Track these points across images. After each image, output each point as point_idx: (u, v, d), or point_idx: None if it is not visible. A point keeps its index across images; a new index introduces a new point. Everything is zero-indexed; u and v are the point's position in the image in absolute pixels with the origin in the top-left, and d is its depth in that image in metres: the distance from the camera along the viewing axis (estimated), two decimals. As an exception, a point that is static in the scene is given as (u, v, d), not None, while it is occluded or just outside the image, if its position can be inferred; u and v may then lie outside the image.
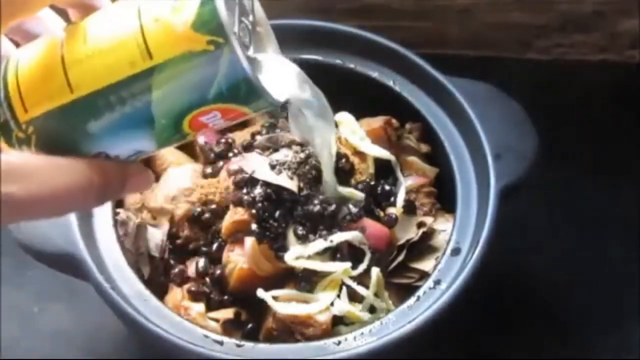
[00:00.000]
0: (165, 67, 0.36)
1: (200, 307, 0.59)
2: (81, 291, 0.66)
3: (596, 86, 0.87)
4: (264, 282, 0.59)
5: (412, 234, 0.62)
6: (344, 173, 0.62)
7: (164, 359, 0.63)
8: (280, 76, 0.41)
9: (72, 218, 0.59)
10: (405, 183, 0.64)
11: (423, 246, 0.63)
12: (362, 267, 0.59)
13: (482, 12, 0.85)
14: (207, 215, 0.61)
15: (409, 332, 0.54)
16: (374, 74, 0.69)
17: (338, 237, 0.58)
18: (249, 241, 0.58)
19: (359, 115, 0.65)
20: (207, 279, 0.60)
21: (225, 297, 0.60)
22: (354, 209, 0.60)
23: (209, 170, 0.64)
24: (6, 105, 0.39)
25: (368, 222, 0.60)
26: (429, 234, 0.63)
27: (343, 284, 0.59)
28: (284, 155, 0.61)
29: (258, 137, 0.64)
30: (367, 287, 0.58)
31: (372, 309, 0.59)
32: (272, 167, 0.60)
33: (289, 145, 0.62)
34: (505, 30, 0.87)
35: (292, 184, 0.59)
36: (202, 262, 0.61)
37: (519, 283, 0.75)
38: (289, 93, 0.42)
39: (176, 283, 0.61)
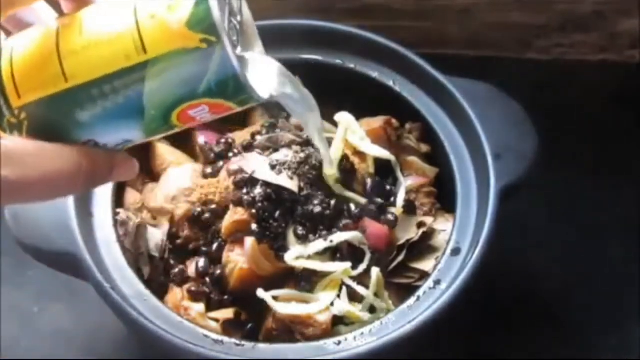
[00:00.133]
0: (158, 61, 0.38)
1: (200, 307, 0.59)
2: (81, 291, 0.66)
3: (596, 86, 0.87)
4: (264, 282, 0.59)
5: (412, 234, 0.62)
6: (345, 173, 0.62)
7: (164, 359, 0.63)
8: (265, 73, 0.43)
9: (72, 218, 0.59)
10: (405, 183, 0.64)
11: (423, 246, 0.63)
12: (362, 267, 0.59)
13: (482, 12, 0.85)
14: (207, 215, 0.61)
15: (409, 332, 0.54)
16: (374, 74, 0.69)
17: (338, 237, 0.58)
18: (249, 241, 0.58)
19: (359, 115, 0.65)
20: (207, 279, 0.60)
21: (225, 297, 0.60)
22: (354, 209, 0.60)
23: (209, 170, 0.64)
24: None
25: (368, 222, 0.60)
26: (429, 234, 0.63)
27: (343, 284, 0.59)
28: (284, 155, 0.61)
29: (258, 137, 0.64)
30: (367, 287, 0.58)
31: (372, 309, 0.59)
32: (272, 167, 0.60)
33: (289, 145, 0.62)
34: (505, 30, 0.87)
35: (292, 184, 0.59)
36: (202, 262, 0.60)
37: (519, 283, 0.75)
38: (272, 89, 0.44)
39: (176, 283, 0.61)
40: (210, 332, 0.56)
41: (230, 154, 0.64)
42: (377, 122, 0.66)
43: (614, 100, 0.85)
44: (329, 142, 0.62)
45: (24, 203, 0.41)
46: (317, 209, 0.59)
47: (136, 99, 0.39)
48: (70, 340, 0.73)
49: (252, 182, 0.60)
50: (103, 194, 0.63)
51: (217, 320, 0.58)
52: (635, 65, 0.88)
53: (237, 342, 0.55)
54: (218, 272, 0.60)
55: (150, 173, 0.68)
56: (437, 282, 0.58)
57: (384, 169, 0.65)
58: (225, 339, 0.56)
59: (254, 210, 0.59)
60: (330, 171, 0.60)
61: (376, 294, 0.59)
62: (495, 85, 0.68)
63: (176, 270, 0.61)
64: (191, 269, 0.61)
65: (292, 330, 0.57)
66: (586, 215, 0.79)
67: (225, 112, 0.41)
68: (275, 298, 0.58)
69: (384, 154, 0.64)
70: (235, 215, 0.59)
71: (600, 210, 0.79)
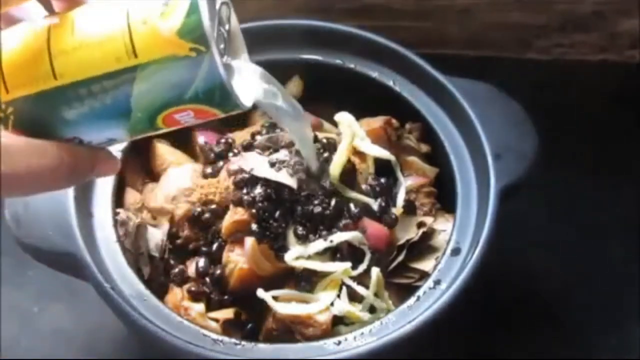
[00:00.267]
0: (148, 66, 0.39)
1: (200, 307, 0.59)
2: (81, 291, 0.66)
3: (596, 86, 0.87)
4: (264, 282, 0.59)
5: (412, 234, 0.62)
6: (347, 174, 0.62)
7: (164, 359, 0.63)
8: (249, 81, 0.44)
9: (72, 218, 0.59)
10: (405, 183, 0.64)
11: (423, 246, 0.63)
12: (362, 267, 0.59)
13: (482, 12, 0.85)
14: (207, 215, 0.61)
15: (409, 332, 0.54)
16: (374, 74, 0.69)
17: (338, 237, 0.58)
18: (249, 241, 0.58)
19: (359, 115, 0.65)
20: (207, 279, 0.60)
21: (225, 297, 0.60)
22: (353, 209, 0.60)
23: (209, 170, 0.64)
24: None
25: (368, 222, 0.60)
26: (429, 234, 0.63)
27: (343, 284, 0.59)
28: (284, 155, 0.61)
29: (258, 137, 0.64)
30: (367, 287, 0.58)
31: (372, 309, 0.59)
32: (272, 164, 0.60)
33: (289, 145, 0.62)
34: (505, 30, 0.87)
35: (292, 181, 0.59)
36: (202, 262, 0.60)
37: (519, 283, 0.75)
38: (256, 97, 0.46)
39: (176, 283, 0.61)
40: (210, 332, 0.56)
41: (230, 154, 0.64)
42: (377, 122, 0.66)
43: (614, 100, 0.86)
44: (329, 141, 0.63)
45: (8, 197, 0.42)
46: (317, 209, 0.59)
47: (124, 101, 0.40)
48: (70, 340, 0.73)
49: (252, 182, 0.60)
50: (103, 194, 0.63)
51: (217, 320, 0.58)
52: (635, 65, 0.88)
53: (237, 342, 0.55)
54: (218, 272, 0.60)
55: (150, 173, 0.68)
56: (437, 282, 0.58)
57: (384, 169, 0.65)
58: (225, 338, 0.56)
59: (254, 210, 0.59)
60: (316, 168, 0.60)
61: (376, 294, 0.59)
62: (495, 85, 0.68)
63: (176, 270, 0.61)
64: (191, 269, 0.61)
65: (292, 330, 0.57)
66: (586, 215, 0.79)
67: (209, 117, 0.42)
68: (275, 298, 0.57)
69: (384, 154, 0.64)
70: (235, 215, 0.59)
71: (600, 210, 0.79)
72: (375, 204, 0.62)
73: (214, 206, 0.62)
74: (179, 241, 0.62)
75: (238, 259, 0.59)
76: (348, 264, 0.58)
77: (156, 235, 0.62)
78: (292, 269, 0.59)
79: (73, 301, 0.74)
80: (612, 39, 0.87)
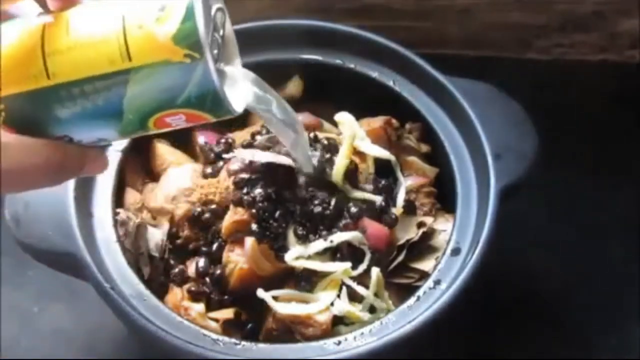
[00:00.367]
0: (142, 70, 0.40)
1: (200, 307, 0.59)
2: (81, 291, 0.66)
3: (596, 86, 0.87)
4: (264, 282, 0.59)
5: (412, 234, 0.62)
6: (350, 174, 0.62)
7: (164, 359, 0.63)
8: (241, 87, 0.45)
9: (72, 218, 0.59)
10: (405, 183, 0.64)
11: (423, 246, 0.63)
12: (362, 267, 0.59)
13: (482, 12, 0.85)
14: (207, 215, 0.61)
15: (409, 332, 0.54)
16: (374, 74, 0.69)
17: (338, 237, 0.58)
18: (249, 241, 0.58)
19: (359, 115, 0.65)
20: (207, 279, 0.60)
21: (225, 297, 0.60)
22: (353, 209, 0.60)
23: (209, 170, 0.64)
24: None
25: (368, 222, 0.60)
26: (429, 234, 0.63)
27: (343, 284, 0.59)
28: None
29: (258, 137, 0.64)
30: (367, 287, 0.58)
31: (372, 309, 0.59)
32: (267, 148, 0.60)
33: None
34: (505, 30, 0.87)
35: (290, 161, 0.59)
36: (202, 262, 0.60)
37: (519, 283, 0.74)
38: (247, 103, 0.46)
39: (176, 283, 0.61)
40: (210, 332, 0.56)
41: (230, 154, 0.64)
42: (377, 122, 0.66)
43: (614, 100, 0.85)
44: (329, 142, 0.63)
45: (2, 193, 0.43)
46: (317, 209, 0.59)
47: (116, 103, 0.41)
48: (70, 340, 0.73)
49: (252, 182, 0.60)
50: (103, 194, 0.63)
51: (217, 320, 0.58)
52: (635, 65, 0.88)
53: (237, 342, 0.55)
54: (218, 272, 0.60)
55: (150, 173, 0.68)
56: (437, 282, 0.58)
57: (384, 169, 0.65)
58: (225, 338, 0.56)
59: (254, 210, 0.59)
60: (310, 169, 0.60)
61: (376, 294, 0.59)
62: (495, 85, 0.68)
63: (176, 270, 0.61)
64: (191, 269, 0.61)
65: (292, 330, 0.57)
66: (586, 215, 0.79)
67: (201, 121, 0.43)
68: (275, 298, 0.58)
69: (384, 154, 0.64)
70: (235, 215, 0.59)
71: (600, 210, 0.79)
72: (380, 200, 0.62)
73: (214, 206, 0.62)
74: (179, 241, 0.62)
75: (238, 259, 0.59)
76: (348, 264, 0.58)
77: (156, 235, 0.62)
78: (292, 269, 0.59)
79: (73, 301, 0.74)
80: (612, 39, 0.87)
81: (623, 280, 0.75)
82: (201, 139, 0.67)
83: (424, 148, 0.69)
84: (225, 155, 0.63)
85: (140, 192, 0.66)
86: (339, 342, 0.55)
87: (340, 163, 0.61)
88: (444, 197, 0.66)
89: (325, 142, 0.63)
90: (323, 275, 0.59)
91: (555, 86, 0.86)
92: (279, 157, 0.60)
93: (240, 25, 0.65)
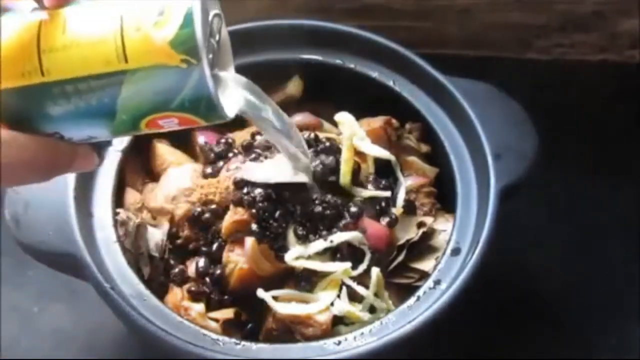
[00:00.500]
0: (137, 72, 0.40)
1: (200, 307, 0.59)
2: (81, 291, 0.66)
3: (596, 86, 0.87)
4: (264, 282, 0.59)
5: (412, 234, 0.62)
6: (354, 175, 0.62)
7: (164, 359, 0.63)
8: (233, 92, 0.45)
9: (72, 218, 0.59)
10: (405, 183, 0.64)
11: (423, 246, 0.63)
12: (362, 267, 0.59)
13: (482, 12, 0.85)
14: (207, 215, 0.61)
15: (409, 332, 0.54)
16: (374, 74, 0.69)
17: (338, 237, 0.58)
18: (249, 241, 0.58)
19: (359, 115, 0.65)
20: (207, 279, 0.60)
21: (225, 297, 0.60)
22: (353, 209, 0.60)
23: (209, 170, 0.64)
24: None
25: (368, 222, 0.60)
26: (429, 234, 0.63)
27: (343, 284, 0.59)
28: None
29: (258, 137, 0.64)
30: (367, 287, 0.58)
31: (372, 309, 0.59)
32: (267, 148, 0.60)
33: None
34: (505, 30, 0.86)
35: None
36: (202, 262, 0.60)
37: (519, 283, 0.74)
38: (239, 108, 0.46)
39: (176, 283, 0.61)
40: (210, 332, 0.56)
41: (230, 154, 0.64)
42: (377, 122, 0.66)
43: (614, 100, 0.85)
44: (328, 141, 0.63)
45: None
46: (317, 209, 0.59)
47: (109, 103, 0.41)
48: (70, 340, 0.73)
49: (252, 182, 0.60)
50: (103, 194, 0.63)
51: (217, 320, 0.58)
52: (635, 65, 0.88)
53: (237, 342, 0.55)
54: (218, 272, 0.60)
55: (150, 173, 0.68)
56: (437, 282, 0.58)
57: (384, 169, 0.65)
58: (225, 338, 0.56)
59: (254, 210, 0.59)
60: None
61: (376, 294, 0.59)
62: (495, 85, 0.68)
63: (176, 270, 0.61)
64: (191, 269, 0.61)
65: (292, 330, 0.57)
66: (586, 215, 0.79)
67: (193, 125, 0.43)
68: (275, 298, 0.57)
69: (384, 154, 0.64)
70: (235, 215, 0.59)
71: (600, 210, 0.79)
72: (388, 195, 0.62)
73: (214, 206, 0.62)
74: (179, 241, 0.62)
75: (238, 259, 0.59)
76: (348, 264, 0.58)
77: (156, 235, 0.62)
78: (292, 269, 0.59)
79: (73, 301, 0.74)
80: (612, 39, 0.87)
81: (623, 280, 0.75)
82: (201, 139, 0.67)
83: (424, 148, 0.69)
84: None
85: (140, 192, 0.66)
86: (339, 342, 0.55)
87: (345, 169, 0.61)
88: (444, 197, 0.66)
89: (326, 142, 0.62)
90: (323, 275, 0.59)
91: (555, 86, 0.86)
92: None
93: (240, 25, 0.65)
